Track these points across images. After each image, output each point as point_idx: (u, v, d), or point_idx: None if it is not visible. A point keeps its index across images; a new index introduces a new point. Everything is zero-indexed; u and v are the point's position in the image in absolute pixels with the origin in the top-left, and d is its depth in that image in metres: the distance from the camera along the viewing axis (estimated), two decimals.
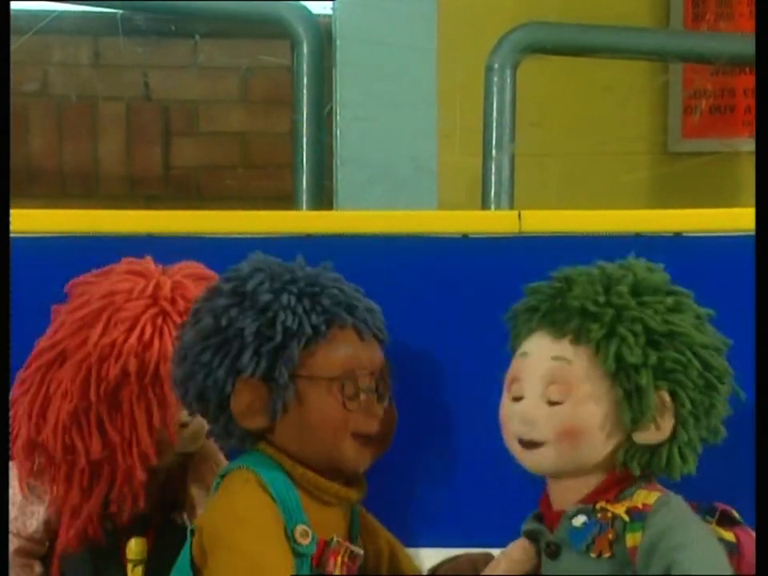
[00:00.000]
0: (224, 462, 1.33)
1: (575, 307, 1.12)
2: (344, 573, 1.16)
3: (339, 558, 1.15)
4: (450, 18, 2.34)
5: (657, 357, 1.10)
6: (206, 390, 1.17)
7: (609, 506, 1.12)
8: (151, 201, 3.17)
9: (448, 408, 1.35)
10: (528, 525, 1.17)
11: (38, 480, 1.30)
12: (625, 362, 1.10)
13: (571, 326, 1.12)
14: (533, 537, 1.16)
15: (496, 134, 2.16)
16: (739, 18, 2.77)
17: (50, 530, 1.31)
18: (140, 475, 1.25)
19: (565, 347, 1.12)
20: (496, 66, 2.16)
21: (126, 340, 1.25)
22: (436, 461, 1.41)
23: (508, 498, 1.26)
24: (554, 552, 1.13)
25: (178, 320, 1.26)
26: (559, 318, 1.13)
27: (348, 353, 1.16)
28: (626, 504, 1.12)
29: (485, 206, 2.18)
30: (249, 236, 1.45)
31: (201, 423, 1.28)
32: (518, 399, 1.14)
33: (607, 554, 1.10)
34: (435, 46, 2.20)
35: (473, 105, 2.24)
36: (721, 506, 1.17)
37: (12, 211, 1.31)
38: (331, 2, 2.23)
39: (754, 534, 1.15)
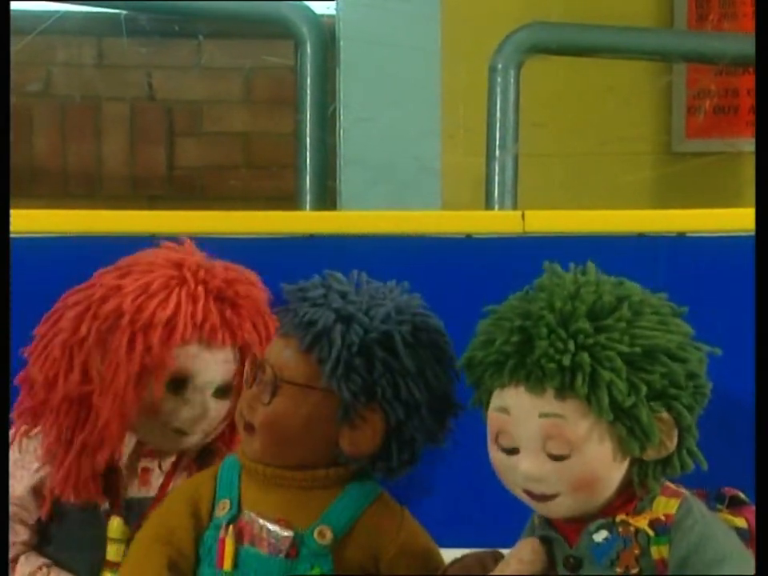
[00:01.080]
0: None
1: (552, 368, 1.07)
2: (264, 548, 1.18)
3: (254, 532, 1.18)
4: (453, 19, 2.34)
5: (646, 384, 1.07)
6: None
7: (630, 519, 1.10)
8: (154, 201, 3.17)
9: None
10: (542, 530, 1.15)
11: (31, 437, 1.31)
12: (621, 406, 1.07)
13: (552, 383, 1.08)
14: (547, 542, 1.14)
15: (499, 134, 2.17)
16: (743, 18, 2.77)
17: (38, 496, 1.32)
18: (109, 416, 1.26)
19: (550, 402, 1.08)
20: (499, 66, 2.16)
21: (131, 285, 1.27)
22: (439, 460, 1.40)
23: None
24: (573, 566, 1.11)
25: (194, 287, 1.28)
26: (534, 373, 1.08)
27: (269, 345, 1.23)
28: (647, 516, 1.10)
29: (488, 206, 2.18)
30: (252, 236, 1.45)
31: (207, 407, 1.29)
32: (511, 452, 1.11)
33: (635, 570, 1.09)
34: (439, 46, 2.20)
35: (476, 105, 2.24)
36: (729, 491, 1.16)
37: (15, 211, 1.31)
38: (334, 3, 2.23)
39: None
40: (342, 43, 2.18)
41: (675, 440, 1.10)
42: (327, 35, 2.18)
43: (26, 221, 1.41)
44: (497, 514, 1.38)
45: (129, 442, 1.32)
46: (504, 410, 1.11)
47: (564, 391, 1.07)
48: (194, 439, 1.31)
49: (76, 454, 1.29)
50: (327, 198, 2.19)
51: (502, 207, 2.15)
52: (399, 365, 1.18)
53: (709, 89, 2.81)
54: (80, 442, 1.28)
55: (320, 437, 1.19)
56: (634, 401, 1.07)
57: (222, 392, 1.30)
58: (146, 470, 1.33)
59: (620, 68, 2.59)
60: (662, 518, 1.10)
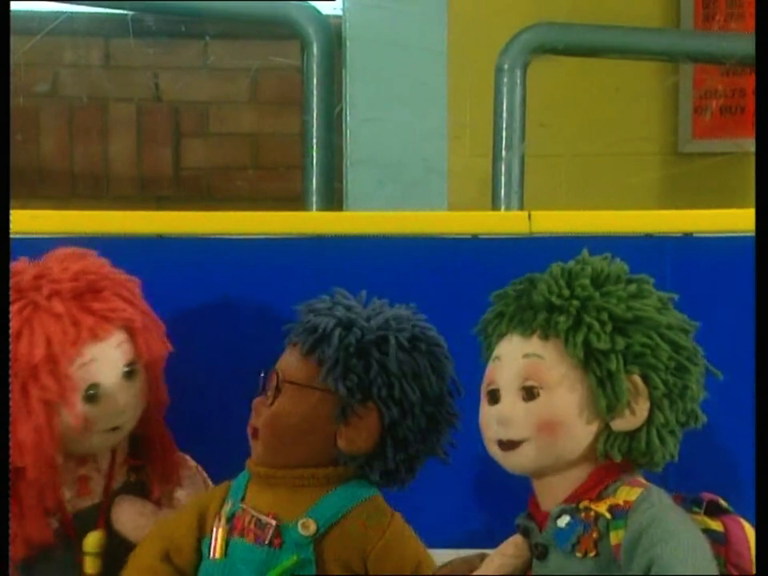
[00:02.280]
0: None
1: (541, 302, 1.14)
2: (251, 538, 1.23)
3: (244, 524, 1.24)
4: (460, 19, 2.34)
5: (625, 342, 1.12)
6: None
7: (592, 505, 1.12)
8: (162, 202, 3.17)
9: (458, 407, 1.35)
10: (520, 520, 1.18)
11: None
12: (593, 349, 1.12)
13: (539, 321, 1.14)
14: (526, 533, 1.17)
15: (506, 134, 2.16)
16: (749, 18, 2.76)
17: None
18: (32, 474, 1.23)
19: (534, 343, 1.14)
20: (506, 66, 2.16)
21: None
22: (441, 462, 1.41)
23: (508, 499, 1.26)
24: (541, 553, 1.14)
25: (47, 304, 1.25)
26: (526, 316, 1.15)
27: (282, 358, 1.26)
28: (609, 501, 1.12)
29: (495, 206, 2.18)
30: (259, 237, 1.45)
31: (125, 394, 1.28)
32: (494, 403, 1.15)
33: (592, 554, 1.11)
34: (445, 47, 2.20)
35: (483, 106, 2.24)
36: (708, 495, 1.17)
37: (23, 212, 1.32)
38: (341, 3, 2.23)
39: (742, 521, 1.16)
40: (348, 44, 2.18)
41: (645, 412, 1.13)
42: (334, 36, 2.18)
43: (33, 221, 1.41)
44: (490, 517, 1.39)
45: (59, 461, 1.29)
46: (497, 358, 1.16)
47: (548, 330, 1.13)
48: (128, 427, 1.31)
49: (20, 518, 1.26)
50: (334, 199, 2.19)
51: (508, 208, 2.15)
52: (394, 366, 1.23)
53: (715, 89, 2.81)
54: (23, 505, 1.26)
55: (318, 436, 1.24)
56: (609, 347, 1.11)
57: (129, 373, 1.30)
58: (84, 479, 1.31)
59: (626, 68, 2.59)
60: (621, 503, 1.12)
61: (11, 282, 1.24)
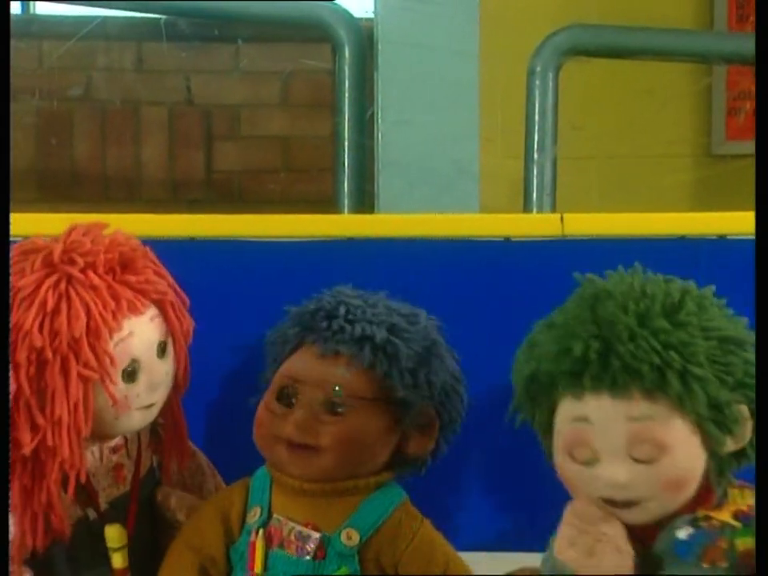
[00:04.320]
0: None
1: (644, 369, 1.05)
2: (293, 550, 1.21)
3: (282, 535, 1.21)
4: (492, 22, 2.33)
5: (730, 375, 1.06)
6: None
7: (713, 514, 1.08)
8: (193, 205, 3.19)
9: (485, 412, 1.34)
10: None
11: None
12: (714, 402, 1.05)
13: (642, 384, 1.05)
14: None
15: (538, 136, 2.16)
16: None
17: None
18: (67, 453, 1.19)
19: (640, 406, 1.05)
20: (538, 68, 2.16)
21: (27, 317, 1.18)
22: (470, 465, 1.40)
23: (539, 500, 1.26)
24: (656, 565, 1.09)
25: (83, 277, 1.21)
26: (620, 378, 1.05)
27: (296, 365, 1.23)
28: (729, 508, 1.08)
29: (527, 209, 2.17)
30: (290, 240, 1.45)
31: (159, 371, 1.25)
32: (590, 463, 1.08)
33: (723, 564, 1.06)
34: (477, 49, 2.20)
35: (515, 108, 2.23)
36: None
37: (56, 215, 1.32)
38: (373, 6, 2.23)
39: None
40: (380, 46, 2.18)
41: (750, 432, 1.08)
42: (365, 38, 2.18)
43: (65, 225, 1.42)
44: (520, 518, 1.39)
45: (94, 449, 1.27)
46: (584, 419, 1.07)
47: (653, 392, 1.05)
48: (159, 405, 1.28)
49: (42, 502, 1.21)
50: (365, 201, 2.19)
51: (540, 210, 2.15)
52: (447, 369, 1.25)
53: (749, 90, 2.79)
54: (45, 489, 1.21)
55: (385, 446, 1.23)
56: (727, 396, 1.05)
57: (163, 348, 1.27)
58: (118, 467, 1.29)
59: (659, 70, 2.58)
60: (745, 508, 1.08)
61: (37, 258, 1.21)
